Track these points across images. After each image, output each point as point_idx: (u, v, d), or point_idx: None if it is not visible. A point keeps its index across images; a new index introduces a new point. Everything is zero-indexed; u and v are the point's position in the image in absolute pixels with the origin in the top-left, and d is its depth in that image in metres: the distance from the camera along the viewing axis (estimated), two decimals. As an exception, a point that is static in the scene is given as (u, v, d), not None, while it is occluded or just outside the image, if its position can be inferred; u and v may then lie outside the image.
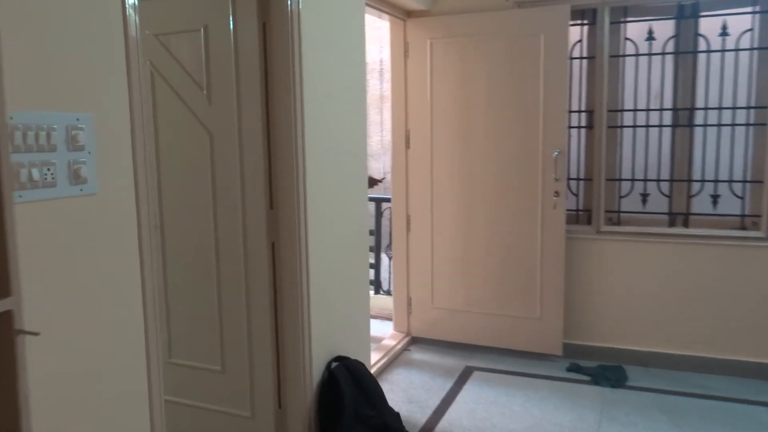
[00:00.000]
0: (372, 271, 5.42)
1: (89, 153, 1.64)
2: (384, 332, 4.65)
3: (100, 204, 1.69)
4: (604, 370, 3.88)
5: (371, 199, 5.34)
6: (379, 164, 5.62)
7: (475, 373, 3.95)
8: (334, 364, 2.96)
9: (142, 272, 1.85)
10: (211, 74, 2.72)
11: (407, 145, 4.31)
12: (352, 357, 3.06)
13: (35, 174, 1.48)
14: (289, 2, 2.56)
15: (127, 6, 1.76)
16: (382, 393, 3.00)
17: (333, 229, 2.98)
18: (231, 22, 2.64)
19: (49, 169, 1.53)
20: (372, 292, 5.36)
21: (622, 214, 4.13)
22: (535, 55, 3.87)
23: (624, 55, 4.03)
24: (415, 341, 4.47)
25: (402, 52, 4.23)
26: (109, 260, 1.74)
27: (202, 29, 2.70)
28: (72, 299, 1.64)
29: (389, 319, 4.65)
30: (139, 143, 1.81)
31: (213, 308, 2.88)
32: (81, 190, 1.62)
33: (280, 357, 2.82)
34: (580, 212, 4.20)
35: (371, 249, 5.34)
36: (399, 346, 4.32)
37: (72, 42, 1.60)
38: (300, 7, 2.60)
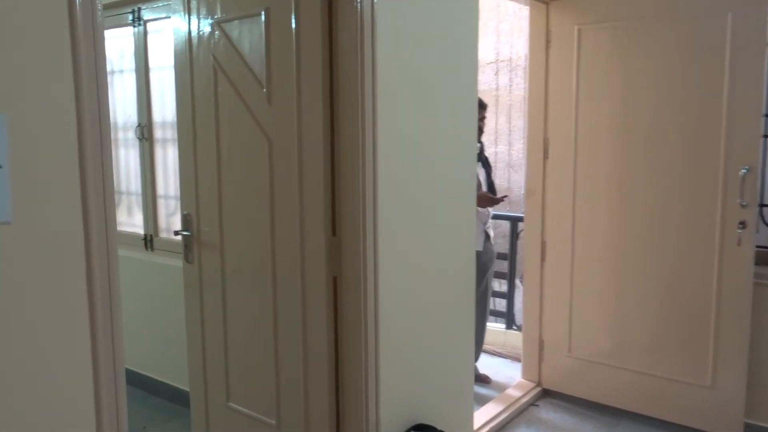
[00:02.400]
0: (503, 302, 4.68)
1: (0, 167, 1.20)
2: (511, 377, 3.91)
3: (20, 239, 1.24)
4: (803, 471, 2.83)
5: (504, 218, 4.60)
6: (521, 176, 4.85)
7: (618, 449, 3.09)
8: (412, 434, 2.34)
9: (94, 357, 1.37)
10: (272, 68, 2.24)
11: (545, 156, 3.53)
12: (441, 427, 2.41)
13: None
14: (360, -27, 1.99)
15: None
16: (471, 480, 2.32)
17: (417, 263, 2.35)
18: (293, 1, 2.13)
19: None
20: (503, 327, 4.62)
21: (841, 257, 3.02)
22: (718, 42, 2.92)
23: None
24: (545, 394, 3.68)
25: (543, 43, 3.47)
26: (33, 332, 1.28)
27: (263, 12, 2.22)
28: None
29: (520, 360, 3.90)
30: (92, 152, 1.34)
31: (269, 351, 2.39)
32: (-17, 217, 1.19)
33: (341, 419, 2.26)
34: (777, 251, 3.14)
35: (504, 276, 4.60)
36: (525, 399, 3.56)
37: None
38: (374, -22, 2.02)
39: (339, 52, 2.07)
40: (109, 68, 3.85)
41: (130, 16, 3.55)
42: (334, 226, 2.17)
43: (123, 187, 3.92)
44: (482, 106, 3.56)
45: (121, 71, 3.78)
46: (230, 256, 2.49)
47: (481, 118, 3.57)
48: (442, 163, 2.43)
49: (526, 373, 3.75)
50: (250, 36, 2.28)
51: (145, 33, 3.54)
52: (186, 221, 2.61)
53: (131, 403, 3.59)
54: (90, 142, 1.33)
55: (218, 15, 2.36)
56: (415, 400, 2.40)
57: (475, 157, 2.65)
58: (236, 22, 2.32)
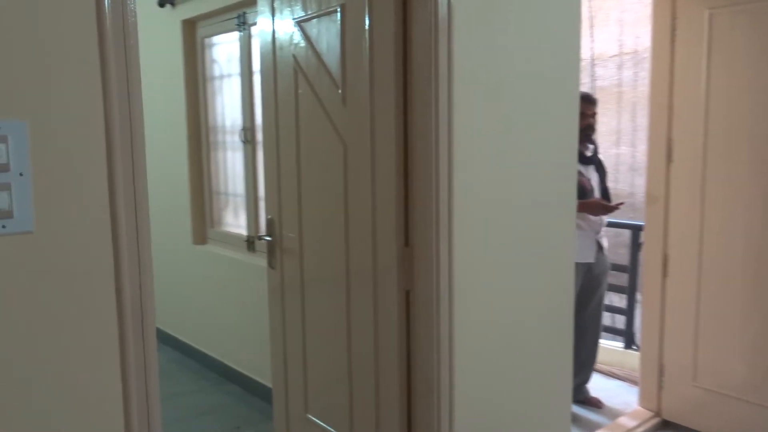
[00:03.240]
0: (622, 318, 4.26)
1: (21, 175, 1.17)
2: (627, 403, 3.54)
3: (42, 249, 1.20)
4: None
5: (624, 226, 4.18)
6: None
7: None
8: (493, 466, 2.13)
9: (123, 369, 1.30)
10: (347, 68, 2.12)
11: (669, 159, 3.14)
12: (526, 458, 2.18)
13: None
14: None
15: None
16: None
17: (500, 275, 2.13)
18: (367, -3, 1.99)
19: (-66, 199, 1.09)
20: (621, 345, 4.20)
21: None
22: None
23: None
24: (665, 426, 3.27)
25: (667, 32, 3.07)
26: (57, 346, 1.24)
27: (338, 9, 2.11)
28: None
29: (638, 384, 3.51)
30: (122, 160, 1.28)
31: (343, 366, 2.28)
32: (3, 227, 1.16)
33: (413, 444, 2.10)
34: None
35: (623, 291, 4.20)
36: (640, 430, 3.19)
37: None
38: (451, -34, 1.84)
39: (413, 51, 1.91)
40: (217, 73, 3.95)
41: (236, 21, 3.61)
42: (407, 236, 2.01)
43: (230, 189, 4.01)
44: (591, 101, 3.22)
45: (229, 75, 3.86)
46: (309, 263, 2.41)
47: (591, 115, 3.23)
48: (532, 167, 2.19)
49: (643, 401, 3.37)
50: (327, 35, 2.18)
51: (249, 37, 3.58)
52: (270, 226, 2.57)
53: (229, 400, 3.67)
54: (119, 148, 1.28)
55: (298, 14, 2.29)
56: (497, 425, 2.19)
57: (575, 160, 2.38)
58: (315, 20, 2.23)
